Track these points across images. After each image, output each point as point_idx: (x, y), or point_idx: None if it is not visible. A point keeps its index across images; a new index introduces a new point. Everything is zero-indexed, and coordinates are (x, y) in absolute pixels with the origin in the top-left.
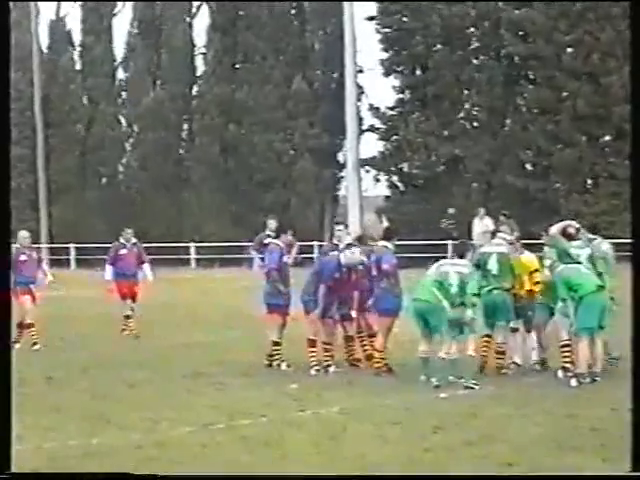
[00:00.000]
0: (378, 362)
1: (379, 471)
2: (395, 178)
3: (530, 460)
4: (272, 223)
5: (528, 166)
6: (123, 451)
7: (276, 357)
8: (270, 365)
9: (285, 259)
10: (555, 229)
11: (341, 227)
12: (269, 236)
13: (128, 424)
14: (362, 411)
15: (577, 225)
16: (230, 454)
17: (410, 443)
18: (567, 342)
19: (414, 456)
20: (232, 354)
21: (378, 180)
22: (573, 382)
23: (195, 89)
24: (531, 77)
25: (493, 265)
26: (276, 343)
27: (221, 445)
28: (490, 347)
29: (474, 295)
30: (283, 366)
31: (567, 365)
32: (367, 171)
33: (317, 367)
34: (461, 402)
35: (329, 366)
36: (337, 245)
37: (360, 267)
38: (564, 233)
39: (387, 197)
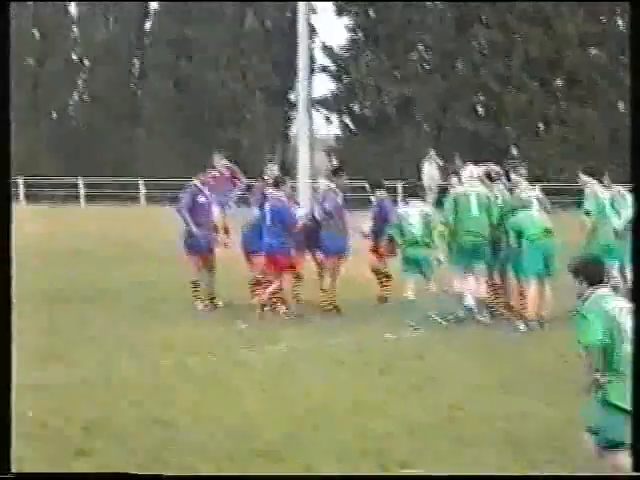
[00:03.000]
0: (325, 302)
1: (326, 411)
2: (346, 118)
3: (475, 403)
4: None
5: (479, 109)
6: (70, 387)
7: (195, 296)
8: (205, 304)
9: (201, 200)
10: (481, 170)
11: (274, 166)
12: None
13: (75, 360)
14: (310, 351)
15: (498, 169)
16: (178, 392)
17: (357, 384)
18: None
19: (361, 397)
20: (182, 292)
21: (329, 120)
22: (521, 326)
23: (147, 25)
24: (483, 20)
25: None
26: (194, 283)
27: (167, 382)
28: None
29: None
30: (200, 306)
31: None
32: (318, 111)
33: (265, 307)
34: (408, 344)
35: (277, 305)
36: (266, 181)
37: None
38: (488, 176)
39: (338, 137)
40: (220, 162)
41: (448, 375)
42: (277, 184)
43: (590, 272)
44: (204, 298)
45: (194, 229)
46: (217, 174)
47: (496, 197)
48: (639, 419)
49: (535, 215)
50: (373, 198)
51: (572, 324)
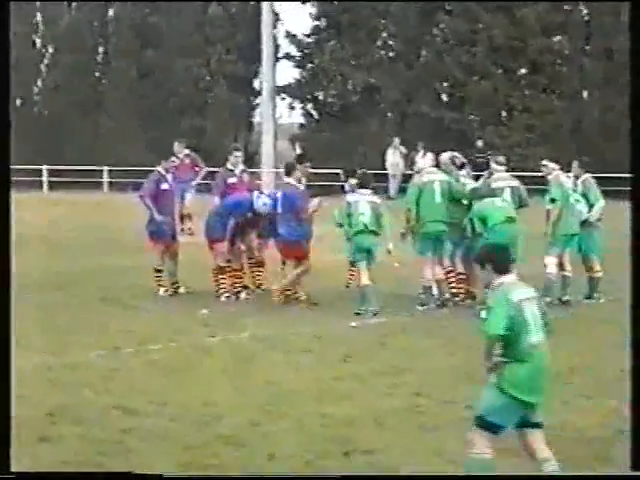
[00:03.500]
0: (288, 289)
1: (289, 398)
2: (310, 106)
3: (439, 391)
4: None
5: (443, 97)
6: (32, 373)
7: (157, 283)
8: (167, 291)
9: (164, 187)
10: (446, 157)
11: (238, 153)
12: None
13: (39, 346)
14: (273, 338)
15: (463, 159)
16: (140, 378)
17: (321, 371)
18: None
19: (325, 384)
20: (144, 279)
21: (293, 108)
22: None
23: (111, 12)
24: (447, 8)
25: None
26: (157, 270)
27: (131, 369)
28: None
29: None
30: (161, 291)
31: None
32: (282, 98)
33: (227, 294)
34: (371, 332)
35: (240, 292)
36: (232, 171)
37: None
38: (453, 162)
39: (302, 125)
40: (181, 150)
41: (412, 362)
42: (289, 171)
43: (496, 260)
44: (167, 285)
45: (157, 216)
46: (178, 162)
47: (463, 184)
48: (639, 418)
49: (497, 203)
50: (347, 186)
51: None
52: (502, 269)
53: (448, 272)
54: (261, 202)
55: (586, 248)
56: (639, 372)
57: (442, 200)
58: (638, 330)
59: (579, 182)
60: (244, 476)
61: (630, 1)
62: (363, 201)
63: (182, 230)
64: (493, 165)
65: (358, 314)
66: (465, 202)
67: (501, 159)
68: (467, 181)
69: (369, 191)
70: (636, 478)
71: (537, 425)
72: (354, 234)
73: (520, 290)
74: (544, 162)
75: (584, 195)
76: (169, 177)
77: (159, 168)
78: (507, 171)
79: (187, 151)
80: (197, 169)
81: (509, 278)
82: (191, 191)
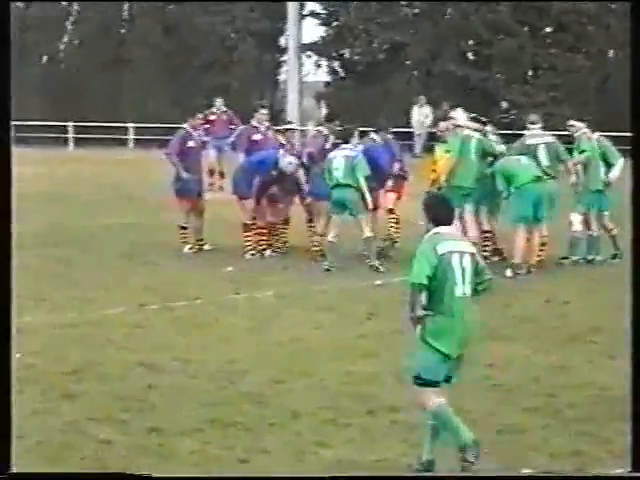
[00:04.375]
0: (316, 246)
1: (312, 356)
2: (336, 64)
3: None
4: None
5: (469, 55)
6: (57, 330)
7: (182, 240)
8: (192, 248)
9: (190, 144)
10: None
11: (264, 111)
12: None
13: (62, 303)
14: (297, 296)
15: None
16: (164, 335)
17: (344, 329)
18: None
19: (348, 342)
20: (168, 236)
21: (319, 66)
22: (508, 272)
23: None
24: None
25: (543, 156)
26: (182, 227)
27: (155, 326)
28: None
29: (363, 177)
30: (185, 249)
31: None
32: (308, 56)
33: (252, 251)
34: (395, 289)
35: (265, 250)
36: (256, 127)
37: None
38: (478, 121)
39: (327, 83)
40: (220, 106)
41: None
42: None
43: (435, 211)
44: (192, 242)
45: (183, 173)
46: (216, 118)
47: (495, 142)
48: (638, 418)
49: (523, 161)
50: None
51: (561, 271)
52: (438, 220)
53: (481, 231)
54: (287, 161)
55: (600, 207)
56: (639, 372)
57: (476, 158)
58: (638, 330)
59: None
60: (244, 476)
61: (630, 1)
62: (339, 156)
63: (211, 185)
64: (527, 124)
65: (328, 270)
66: (490, 159)
67: (534, 117)
68: (493, 138)
69: (349, 146)
70: (636, 479)
71: (449, 379)
72: (330, 188)
73: (451, 242)
74: (571, 122)
75: (602, 154)
76: (196, 134)
77: (186, 125)
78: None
79: (224, 108)
80: (233, 126)
81: (444, 229)
82: (226, 148)
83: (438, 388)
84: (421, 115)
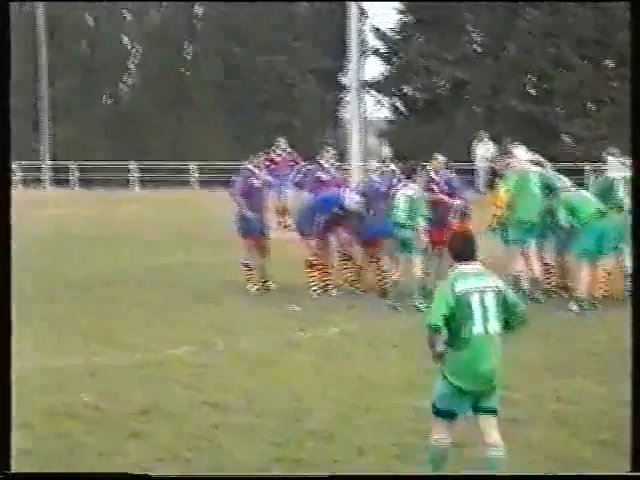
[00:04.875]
0: (381, 283)
1: (378, 393)
2: (397, 101)
3: (530, 385)
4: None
5: (530, 90)
6: (124, 370)
7: (247, 278)
8: (256, 286)
9: (253, 183)
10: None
11: (331, 150)
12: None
13: (129, 343)
14: (362, 333)
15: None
16: (229, 374)
17: (410, 365)
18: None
19: (414, 378)
20: (231, 275)
21: (381, 103)
22: (573, 306)
23: (199, 10)
24: (534, 1)
25: (621, 191)
26: (246, 265)
27: (220, 365)
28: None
29: (422, 217)
30: (250, 287)
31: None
32: (369, 94)
33: (317, 289)
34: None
35: (329, 288)
36: (323, 166)
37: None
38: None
39: (389, 120)
40: (284, 146)
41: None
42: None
43: (457, 248)
44: (257, 280)
45: (248, 213)
46: (279, 158)
47: (555, 176)
48: (639, 418)
49: (585, 194)
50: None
51: (627, 305)
52: (461, 257)
53: (544, 265)
54: (350, 199)
55: None
56: (639, 372)
57: (539, 191)
58: (638, 330)
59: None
60: (243, 476)
61: (630, 1)
62: (402, 194)
63: (279, 224)
64: (607, 156)
65: (393, 308)
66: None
67: (613, 150)
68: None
69: (412, 184)
70: (636, 478)
71: (488, 410)
72: (394, 226)
73: (472, 280)
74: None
75: None
76: (259, 173)
77: (248, 164)
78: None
79: (287, 147)
80: (295, 165)
81: (466, 266)
82: (289, 186)
83: (452, 420)
84: (483, 151)
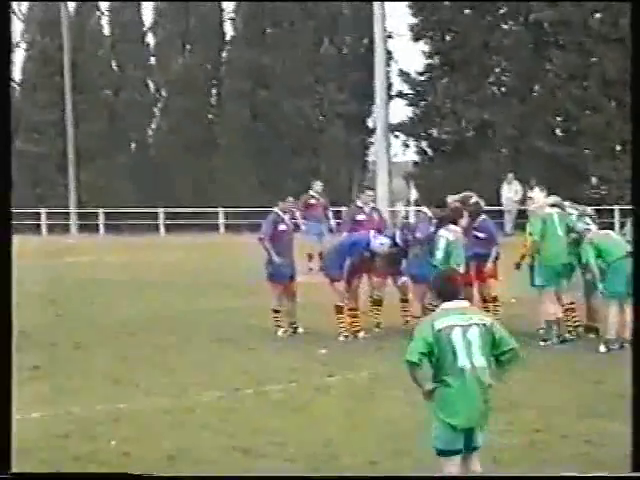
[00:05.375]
0: (411, 327)
1: (409, 437)
2: (424, 144)
3: (557, 426)
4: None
5: (557, 131)
6: (151, 416)
7: (276, 324)
8: (286, 331)
9: (281, 228)
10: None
11: (370, 192)
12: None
13: (156, 389)
14: (392, 376)
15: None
16: (259, 419)
17: None
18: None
19: None
20: (259, 319)
21: (407, 146)
22: (602, 348)
23: (224, 54)
24: (560, 42)
25: None
26: (275, 311)
27: (250, 410)
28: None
29: (457, 265)
30: (280, 332)
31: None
32: (396, 137)
33: (346, 333)
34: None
35: (358, 332)
36: (361, 208)
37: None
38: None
39: (416, 163)
40: (319, 190)
41: (529, 397)
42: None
43: (440, 288)
44: (285, 325)
45: (275, 258)
46: (315, 202)
47: (581, 218)
48: (639, 418)
49: (613, 236)
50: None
51: None
52: (444, 296)
53: (568, 309)
54: (378, 242)
55: None
56: (639, 372)
57: (563, 233)
58: (638, 331)
59: None
60: (244, 476)
61: (630, 1)
62: (442, 237)
63: (310, 270)
64: None
65: None
66: (575, 235)
67: None
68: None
69: (454, 227)
70: (636, 479)
71: (475, 448)
72: (433, 269)
73: (454, 317)
74: None
75: None
76: (286, 218)
77: (276, 209)
78: None
79: (321, 191)
80: (327, 211)
81: (449, 304)
82: (325, 232)
83: (457, 458)
84: (510, 192)
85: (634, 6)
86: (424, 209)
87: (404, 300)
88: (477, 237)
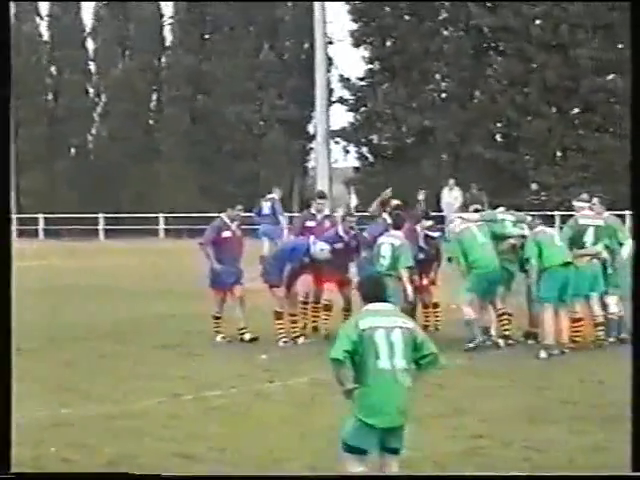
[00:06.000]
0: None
1: None
2: (364, 149)
3: (500, 432)
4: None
5: (497, 137)
6: (93, 422)
7: (215, 330)
8: (224, 337)
9: (225, 235)
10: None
11: (322, 201)
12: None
13: (98, 395)
14: (332, 382)
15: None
16: (199, 425)
17: None
18: (504, 310)
19: None
20: (201, 325)
21: (347, 151)
22: (542, 354)
23: (164, 60)
24: (500, 49)
25: (590, 237)
26: (215, 317)
27: (191, 416)
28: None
29: (407, 268)
30: (218, 338)
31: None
32: (337, 142)
33: (285, 338)
34: (431, 373)
35: (298, 337)
36: (314, 215)
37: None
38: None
39: (356, 168)
40: (277, 197)
41: (472, 404)
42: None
43: (365, 290)
44: (224, 332)
45: (215, 265)
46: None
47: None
48: (639, 418)
49: (558, 242)
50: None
51: (596, 352)
52: (368, 298)
53: (500, 314)
54: (318, 247)
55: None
56: (639, 372)
57: (486, 239)
58: (638, 329)
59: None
60: (245, 475)
61: (630, 1)
62: (386, 243)
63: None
64: (576, 203)
65: None
66: (513, 241)
67: (584, 196)
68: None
69: (398, 233)
70: (636, 478)
71: (393, 450)
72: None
73: (378, 318)
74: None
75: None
76: (233, 225)
77: (223, 215)
78: (591, 208)
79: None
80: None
81: (375, 306)
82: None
83: (364, 456)
84: (451, 198)
85: (634, 6)
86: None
87: (346, 309)
88: (420, 245)
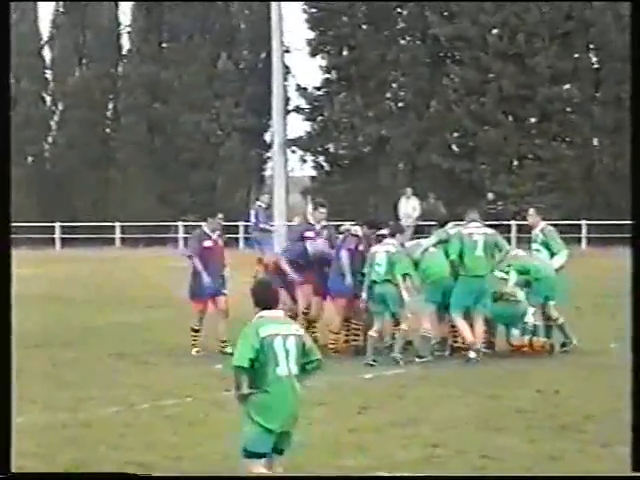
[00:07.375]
0: (333, 344)
1: (303, 449)
2: (321, 158)
3: (456, 441)
4: None
5: (454, 147)
6: (47, 430)
7: (192, 342)
8: (199, 351)
9: (206, 244)
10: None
11: (323, 209)
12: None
13: (52, 403)
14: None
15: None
16: (155, 434)
17: (336, 423)
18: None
19: (340, 437)
20: (158, 334)
21: (304, 160)
22: (471, 354)
23: (120, 68)
24: (457, 58)
25: (480, 247)
26: (194, 330)
27: (146, 425)
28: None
29: (404, 275)
30: (193, 351)
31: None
32: (293, 151)
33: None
34: (387, 383)
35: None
36: (312, 225)
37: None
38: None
39: (313, 177)
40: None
41: (428, 413)
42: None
43: (259, 296)
44: (200, 346)
45: (205, 276)
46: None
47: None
48: (639, 418)
49: (441, 258)
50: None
51: (549, 360)
52: (263, 304)
53: (452, 325)
54: (313, 244)
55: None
56: (639, 372)
57: (438, 249)
58: (638, 328)
59: (538, 231)
60: (243, 476)
61: (630, 1)
62: (381, 251)
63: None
64: (467, 220)
65: (371, 365)
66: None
67: (475, 215)
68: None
69: (392, 241)
70: (636, 479)
71: (280, 451)
72: (372, 283)
73: (275, 325)
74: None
75: (545, 244)
76: (214, 235)
77: (204, 225)
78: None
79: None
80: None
81: (269, 313)
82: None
83: (264, 459)
84: (408, 207)
85: (634, 6)
86: (353, 227)
87: (305, 313)
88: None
